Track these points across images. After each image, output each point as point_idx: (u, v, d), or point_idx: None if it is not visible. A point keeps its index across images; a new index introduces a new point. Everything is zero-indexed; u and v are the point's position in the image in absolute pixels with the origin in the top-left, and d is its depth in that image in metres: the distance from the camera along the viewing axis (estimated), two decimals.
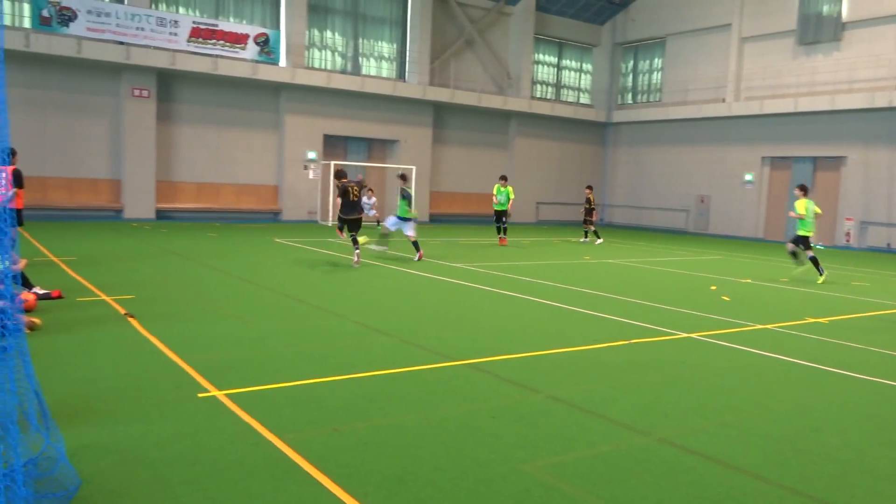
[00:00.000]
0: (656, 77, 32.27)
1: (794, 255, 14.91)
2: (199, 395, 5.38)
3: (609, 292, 11.65)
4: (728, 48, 28.75)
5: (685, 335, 8.50)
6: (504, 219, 20.00)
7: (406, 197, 15.57)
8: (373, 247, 15.80)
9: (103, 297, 9.16)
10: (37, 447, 3.90)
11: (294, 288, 10.71)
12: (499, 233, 20.05)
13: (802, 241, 14.75)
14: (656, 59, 32.24)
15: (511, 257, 16.77)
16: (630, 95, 33.62)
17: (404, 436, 4.75)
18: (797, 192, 14.99)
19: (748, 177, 28.40)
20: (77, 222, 21.07)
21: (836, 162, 25.81)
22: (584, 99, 34.03)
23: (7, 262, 4.22)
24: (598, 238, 22.21)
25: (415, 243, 15.33)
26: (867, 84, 24.54)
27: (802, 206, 14.63)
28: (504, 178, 20.61)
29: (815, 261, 14.74)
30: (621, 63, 33.85)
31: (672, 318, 9.55)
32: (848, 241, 25.20)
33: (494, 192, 20.18)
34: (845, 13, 25.19)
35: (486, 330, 8.40)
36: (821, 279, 14.56)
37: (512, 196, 20.17)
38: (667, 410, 5.57)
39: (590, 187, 23.02)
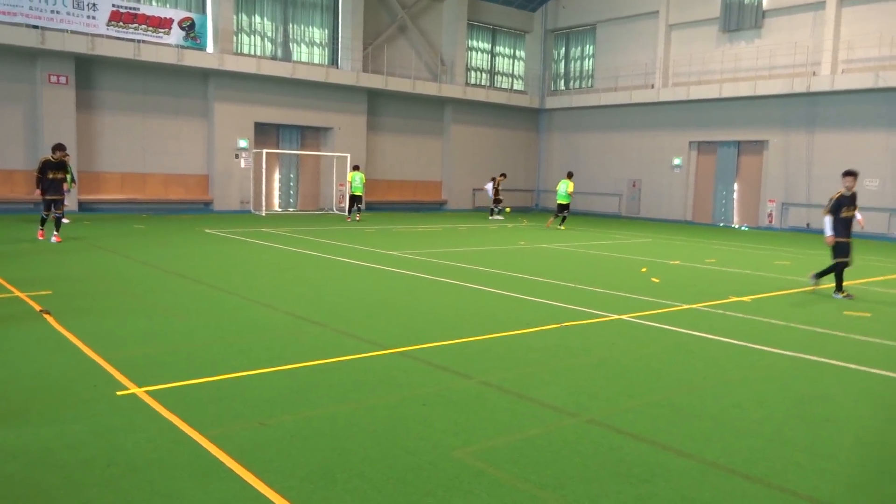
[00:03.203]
0: (588, 63, 32.71)
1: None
2: (118, 392, 5.16)
3: (543, 276, 11.77)
4: (656, 35, 29.36)
5: (616, 317, 8.65)
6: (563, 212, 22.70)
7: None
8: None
9: (17, 293, 8.71)
10: None
11: (224, 280, 10.43)
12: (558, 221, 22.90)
13: None
14: (588, 46, 32.67)
15: (446, 244, 16.78)
16: (563, 82, 34.01)
17: (333, 427, 4.66)
18: None
19: (677, 161, 29.15)
20: None
21: (759, 146, 26.74)
22: (518, 85, 34.25)
23: None
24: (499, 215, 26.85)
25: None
26: (786, 70, 25.45)
27: None
28: (570, 174, 23.36)
29: None
30: (553, 50, 34.18)
31: (604, 301, 9.71)
32: (770, 221, 26.19)
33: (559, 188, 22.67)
34: (766, 2, 26.02)
35: (419, 317, 8.35)
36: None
37: (570, 188, 22.57)
38: (596, 392, 5.65)
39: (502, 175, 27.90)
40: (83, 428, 4.48)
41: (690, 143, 28.79)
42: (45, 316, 7.50)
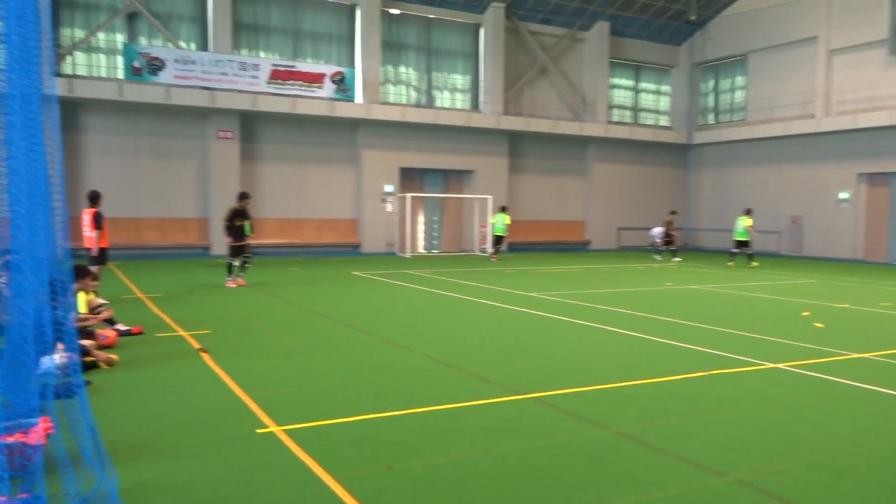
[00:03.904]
0: (739, 95, 31.16)
1: None
2: (258, 430, 5.37)
3: (690, 320, 11.12)
4: (815, 62, 27.47)
5: (771, 365, 7.95)
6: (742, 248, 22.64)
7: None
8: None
9: (181, 332, 9.42)
10: (90, 484, 3.94)
11: (366, 320, 10.73)
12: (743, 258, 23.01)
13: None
14: (738, 77, 31.17)
15: (589, 285, 16.35)
16: (712, 115, 32.58)
17: (460, 475, 4.56)
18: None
19: (843, 195, 26.86)
20: (168, 260, 22.02)
21: None
22: (664, 121, 33.21)
23: (72, 315, 4.36)
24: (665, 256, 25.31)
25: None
26: None
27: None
28: (748, 210, 23.41)
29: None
30: (701, 83, 32.91)
31: (757, 347, 8.98)
32: None
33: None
34: None
35: (555, 361, 8.12)
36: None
37: (749, 224, 22.53)
38: (746, 449, 5.16)
39: (673, 213, 25.86)
40: (224, 464, 4.68)
41: (859, 175, 26.45)
42: (202, 354, 8.02)
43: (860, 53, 26.18)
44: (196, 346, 8.50)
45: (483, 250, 27.18)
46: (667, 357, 8.38)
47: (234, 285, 14.82)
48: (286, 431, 5.34)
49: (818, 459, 4.97)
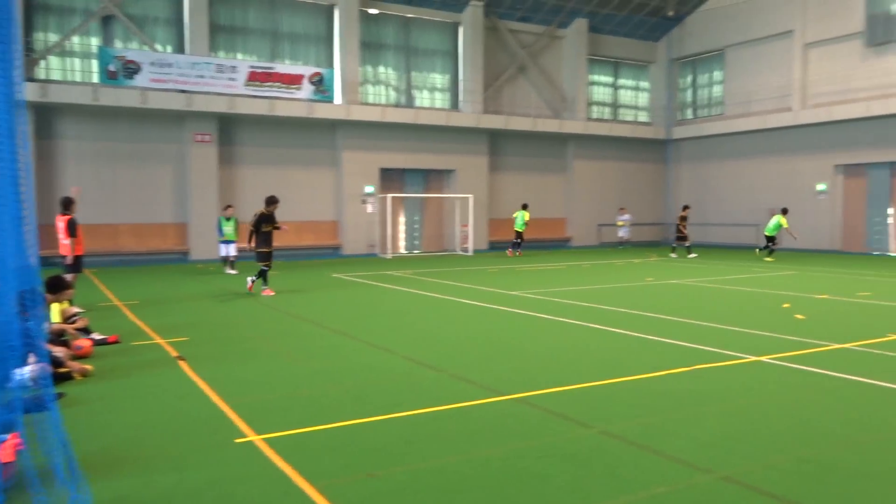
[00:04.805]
0: (717, 90, 31.35)
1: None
2: (237, 440, 5.25)
3: (671, 315, 11.12)
4: (791, 55, 27.69)
5: (754, 358, 7.95)
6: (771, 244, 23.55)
7: None
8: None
9: (158, 340, 9.25)
10: (63, 502, 3.82)
11: (347, 323, 10.62)
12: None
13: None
14: (716, 72, 31.36)
15: (570, 282, 16.34)
16: (690, 110, 32.76)
17: (443, 480, 4.48)
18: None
19: (821, 187, 27.10)
20: (146, 266, 21.74)
21: None
22: (643, 117, 33.34)
23: (44, 326, 4.22)
24: (688, 253, 24.80)
25: None
26: None
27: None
28: (785, 210, 24.12)
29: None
30: (679, 78, 33.07)
31: (740, 341, 8.99)
32: None
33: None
34: None
35: (539, 361, 8.06)
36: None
37: (784, 224, 23.27)
38: (732, 445, 5.12)
39: (686, 207, 25.49)
40: (202, 476, 4.56)
41: (836, 166, 26.70)
42: (180, 362, 7.88)
43: (835, 46, 26.42)
44: (174, 353, 8.35)
45: (465, 249, 27.13)
46: (650, 353, 8.36)
47: (273, 293, 14.11)
48: (265, 440, 5.23)
49: (805, 453, 4.95)
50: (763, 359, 7.96)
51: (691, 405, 6.16)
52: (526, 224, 25.74)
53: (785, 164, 28.29)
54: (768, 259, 22.74)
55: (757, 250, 24.41)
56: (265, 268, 14.19)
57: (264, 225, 14.10)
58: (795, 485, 4.38)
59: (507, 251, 26.05)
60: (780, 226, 23.26)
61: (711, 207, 30.98)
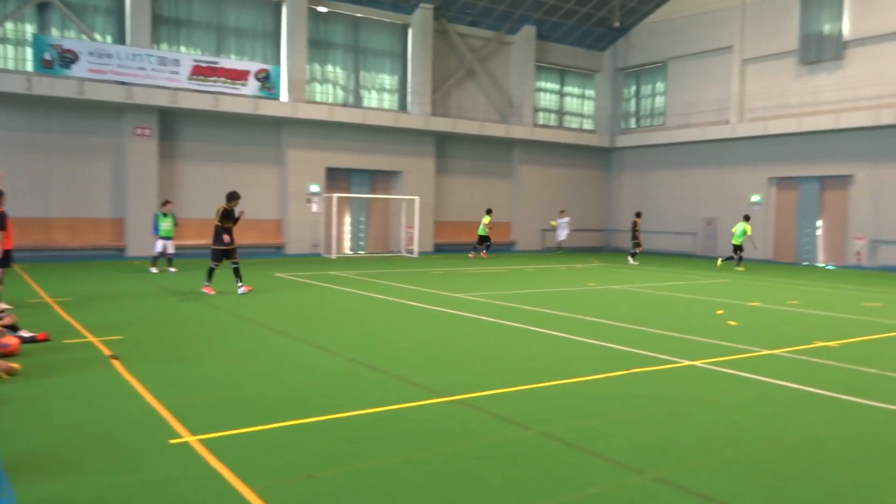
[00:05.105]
0: (659, 101, 32.18)
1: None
2: (171, 441, 5.13)
3: (611, 319, 11.36)
4: (730, 70, 28.64)
5: (688, 363, 8.19)
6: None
7: None
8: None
9: (91, 338, 8.96)
10: None
11: (289, 324, 10.49)
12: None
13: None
14: (658, 83, 32.18)
15: (513, 285, 16.51)
16: (633, 120, 33.53)
17: (383, 482, 4.47)
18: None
19: (755, 198, 28.08)
20: (80, 262, 21.02)
21: (844, 180, 25.48)
22: (588, 125, 33.96)
23: None
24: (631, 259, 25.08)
25: None
26: (872, 101, 24.29)
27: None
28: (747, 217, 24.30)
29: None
30: (623, 88, 33.82)
31: (675, 346, 9.24)
32: (859, 260, 24.75)
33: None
34: (847, 32, 25.05)
35: (480, 363, 8.12)
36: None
37: (748, 231, 23.60)
38: (666, 446, 5.27)
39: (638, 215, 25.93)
40: (134, 478, 4.44)
41: (770, 178, 27.72)
42: (113, 361, 7.65)
43: (771, 63, 27.43)
44: (107, 352, 8.10)
45: (410, 251, 27.12)
46: (590, 357, 8.52)
47: (213, 292, 13.86)
48: (202, 441, 5.12)
49: (734, 455, 5.12)
50: (697, 363, 8.20)
51: (628, 408, 6.31)
52: (487, 227, 26.25)
53: (722, 176, 29.21)
54: (739, 269, 22.87)
55: (719, 260, 24.35)
56: (214, 265, 14.07)
57: (225, 221, 13.86)
58: (724, 485, 4.53)
59: (470, 255, 26.88)
60: (745, 233, 23.38)
61: (651, 215, 31.73)
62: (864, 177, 24.76)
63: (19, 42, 21.40)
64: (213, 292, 13.85)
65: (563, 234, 29.82)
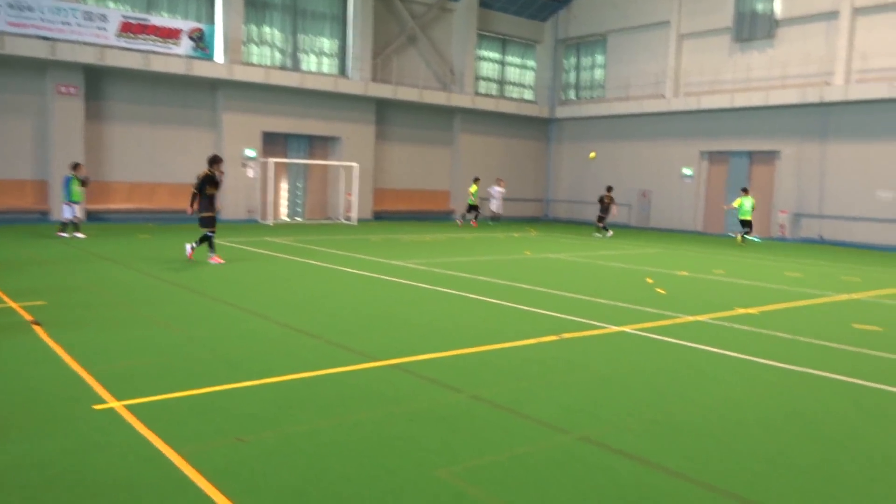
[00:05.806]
0: (599, 73, 32.53)
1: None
2: (96, 407, 5.01)
3: (545, 287, 11.56)
4: (667, 45, 29.14)
5: (617, 329, 8.43)
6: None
7: None
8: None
9: (11, 304, 8.62)
10: None
11: (222, 290, 10.31)
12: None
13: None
14: (598, 56, 32.50)
15: (451, 253, 16.60)
16: (573, 92, 33.84)
17: (314, 444, 4.49)
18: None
19: (687, 171, 28.85)
20: (1, 226, 20.07)
21: (771, 156, 26.40)
22: (528, 95, 34.10)
23: None
24: (604, 232, 24.91)
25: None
26: (799, 80, 25.15)
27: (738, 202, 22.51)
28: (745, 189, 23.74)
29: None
30: (564, 59, 34.04)
31: (606, 312, 9.50)
32: (783, 233, 25.80)
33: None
34: (779, 11, 25.75)
35: (416, 329, 8.18)
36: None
37: (753, 204, 23.28)
38: (591, 408, 5.44)
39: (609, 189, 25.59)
40: (55, 444, 4.33)
41: (701, 153, 28.50)
42: (35, 327, 7.38)
43: (707, 39, 28.02)
44: (28, 318, 7.81)
45: (348, 218, 26.90)
46: (522, 322, 8.67)
47: (222, 261, 13.18)
48: (127, 406, 5.02)
49: (657, 415, 5.32)
50: (625, 329, 8.45)
51: (558, 372, 6.47)
52: (473, 196, 27.22)
53: (656, 148, 29.87)
54: (752, 239, 23.30)
55: (740, 237, 23.43)
56: (210, 234, 13.23)
57: (208, 187, 12.99)
58: (646, 443, 4.72)
59: (458, 221, 28.06)
60: (753, 207, 23.12)
61: (589, 186, 32.27)
62: (789, 153, 25.71)
63: None
64: (222, 261, 13.26)
65: (495, 205, 29.37)
